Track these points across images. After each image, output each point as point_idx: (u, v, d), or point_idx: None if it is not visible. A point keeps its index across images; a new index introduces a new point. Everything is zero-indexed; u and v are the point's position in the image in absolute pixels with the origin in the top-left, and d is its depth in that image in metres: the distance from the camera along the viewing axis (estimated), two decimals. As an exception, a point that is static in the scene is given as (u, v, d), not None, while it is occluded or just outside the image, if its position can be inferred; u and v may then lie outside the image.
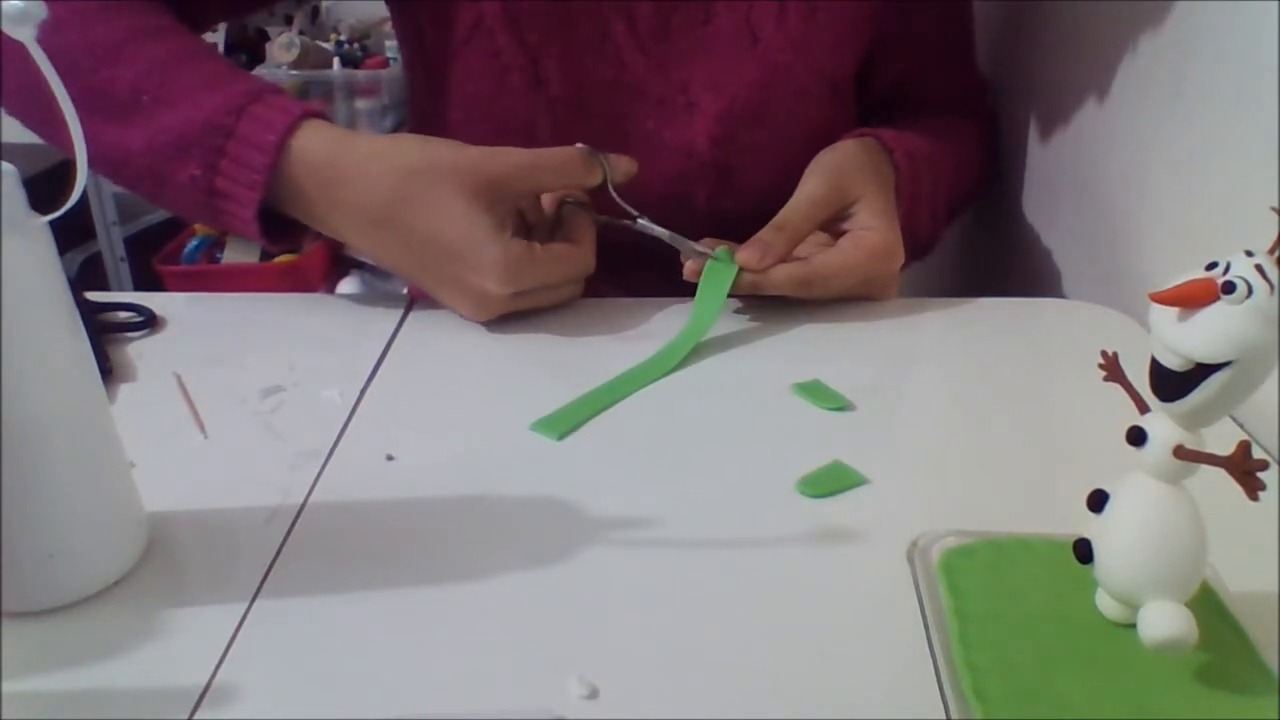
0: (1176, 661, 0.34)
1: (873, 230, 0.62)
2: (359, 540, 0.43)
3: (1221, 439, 0.32)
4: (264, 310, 0.66)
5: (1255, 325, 0.29)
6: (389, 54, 2.29)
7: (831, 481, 0.46)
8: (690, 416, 0.52)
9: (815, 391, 0.54)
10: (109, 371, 0.55)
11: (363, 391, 0.54)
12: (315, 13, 2.43)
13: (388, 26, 2.28)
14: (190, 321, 0.63)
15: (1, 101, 0.61)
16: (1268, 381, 0.30)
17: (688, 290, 0.61)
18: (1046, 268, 0.79)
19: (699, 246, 0.61)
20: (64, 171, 0.34)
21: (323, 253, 2.20)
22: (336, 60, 2.23)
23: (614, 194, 0.62)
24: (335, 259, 2.26)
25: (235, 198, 0.58)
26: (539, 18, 0.67)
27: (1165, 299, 0.30)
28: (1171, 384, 0.31)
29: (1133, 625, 0.34)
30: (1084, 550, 0.35)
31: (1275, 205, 0.28)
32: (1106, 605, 0.36)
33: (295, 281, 2.11)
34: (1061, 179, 0.78)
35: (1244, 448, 0.30)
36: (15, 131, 0.62)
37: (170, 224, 2.42)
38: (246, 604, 0.39)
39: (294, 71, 2.17)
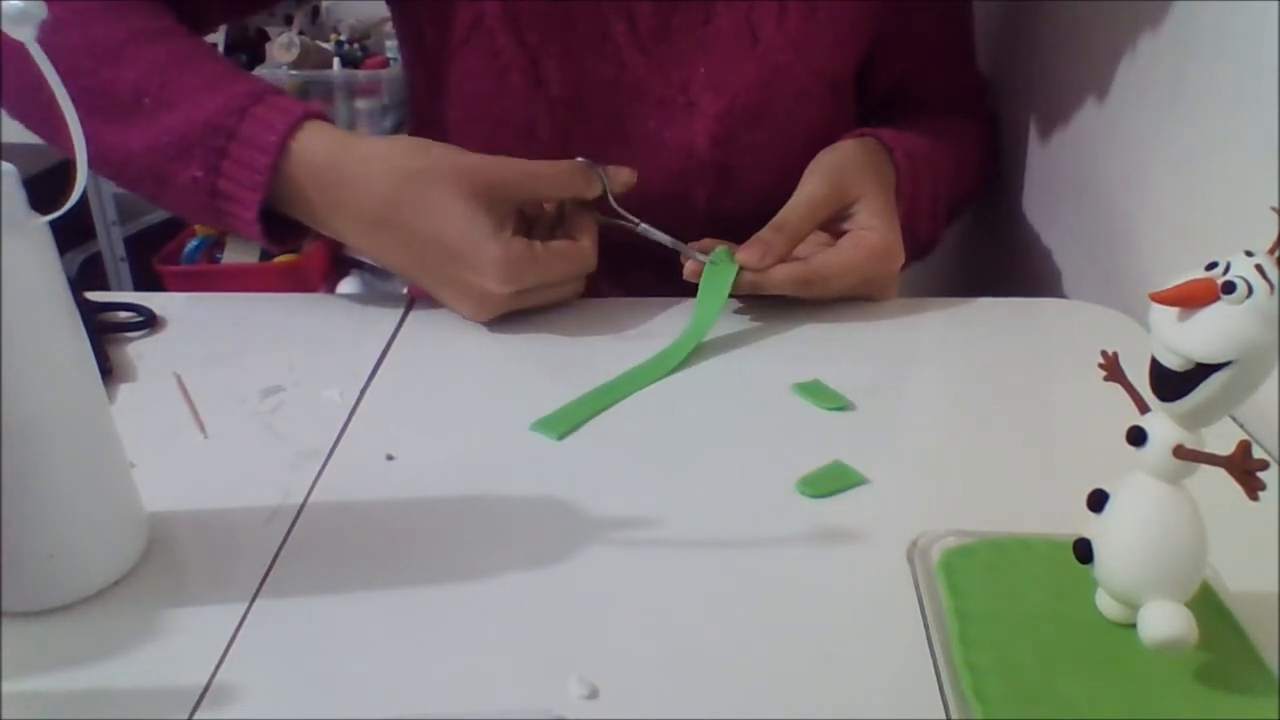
0: (1176, 661, 0.34)
1: (873, 230, 0.62)
2: (359, 540, 0.43)
3: (1221, 439, 0.32)
4: (264, 310, 0.66)
5: (1255, 325, 0.29)
6: (389, 54, 2.29)
7: (831, 481, 0.46)
8: (690, 416, 0.52)
9: (815, 391, 0.54)
10: (109, 371, 0.55)
11: (363, 391, 0.54)
12: (315, 13, 2.43)
13: (388, 26, 2.28)
14: (190, 321, 0.63)
15: (1, 102, 0.61)
16: (1268, 381, 0.30)
17: (688, 290, 0.61)
18: (1046, 268, 0.79)
19: (701, 256, 0.61)
20: (64, 171, 0.34)
21: (323, 253, 2.20)
22: (336, 60, 2.23)
23: (614, 204, 0.62)
24: (335, 259, 2.26)
25: (237, 199, 0.58)
26: (539, 17, 0.67)
27: (1165, 299, 0.30)
28: (1171, 384, 0.31)
29: (1133, 625, 0.34)
30: (1084, 550, 0.35)
31: (1275, 205, 0.28)
32: (1106, 605, 0.36)
33: (295, 281, 2.11)
34: (1061, 179, 0.78)
35: (1244, 448, 0.30)
36: (15, 131, 0.62)
37: (170, 224, 2.42)
38: (246, 604, 0.39)
39: (294, 71, 2.17)
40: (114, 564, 0.40)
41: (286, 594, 0.39)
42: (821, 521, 0.44)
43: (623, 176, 0.62)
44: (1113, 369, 0.35)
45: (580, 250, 0.61)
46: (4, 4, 0.31)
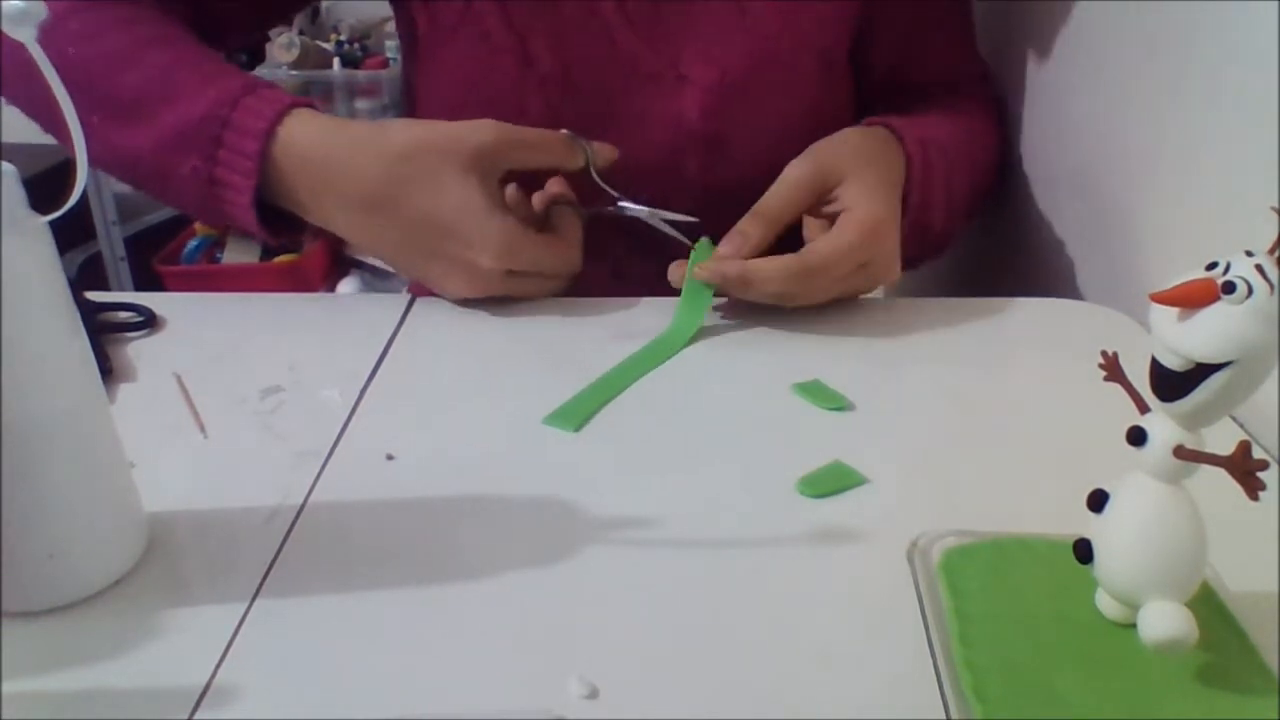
0: (1176, 661, 0.34)
1: (857, 207, 0.60)
2: (359, 540, 0.43)
3: (1221, 439, 0.32)
4: (264, 310, 0.66)
5: (1255, 325, 0.29)
6: (389, 54, 2.29)
7: (831, 481, 0.46)
8: (690, 416, 0.52)
9: (815, 391, 0.54)
10: (109, 371, 0.55)
11: (363, 391, 0.54)
12: (315, 13, 2.43)
13: (388, 26, 2.28)
14: (190, 321, 0.63)
15: (13, 103, 0.63)
16: (1268, 381, 0.30)
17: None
18: (1046, 268, 0.79)
19: (673, 231, 0.61)
20: (64, 171, 0.34)
21: (323, 253, 2.20)
22: (336, 60, 2.23)
23: (595, 177, 0.62)
24: (335, 258, 2.27)
25: (232, 185, 0.59)
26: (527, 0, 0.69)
27: (1165, 299, 0.30)
28: (1171, 384, 0.31)
29: (1133, 625, 0.34)
30: (1084, 550, 0.35)
31: (1275, 205, 0.28)
32: (1106, 605, 0.36)
33: (295, 281, 2.11)
34: (1061, 179, 0.78)
35: (1244, 448, 0.30)
36: (15, 131, 0.62)
37: (170, 224, 2.42)
38: (246, 604, 0.39)
39: (294, 71, 2.18)
40: (114, 564, 0.40)
41: (286, 594, 0.39)
42: (821, 521, 0.44)
43: (606, 152, 0.62)
44: (1113, 369, 0.35)
45: (567, 249, 0.62)
46: (4, 4, 0.31)
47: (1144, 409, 0.33)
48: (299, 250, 2.15)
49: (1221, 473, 0.30)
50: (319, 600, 0.39)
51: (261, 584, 0.40)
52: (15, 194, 0.34)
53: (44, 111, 0.62)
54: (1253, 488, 0.30)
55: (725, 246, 0.59)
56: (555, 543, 0.42)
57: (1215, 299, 0.29)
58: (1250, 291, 0.28)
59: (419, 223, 0.58)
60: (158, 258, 2.19)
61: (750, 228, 0.60)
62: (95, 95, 0.61)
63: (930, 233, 0.70)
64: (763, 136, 0.71)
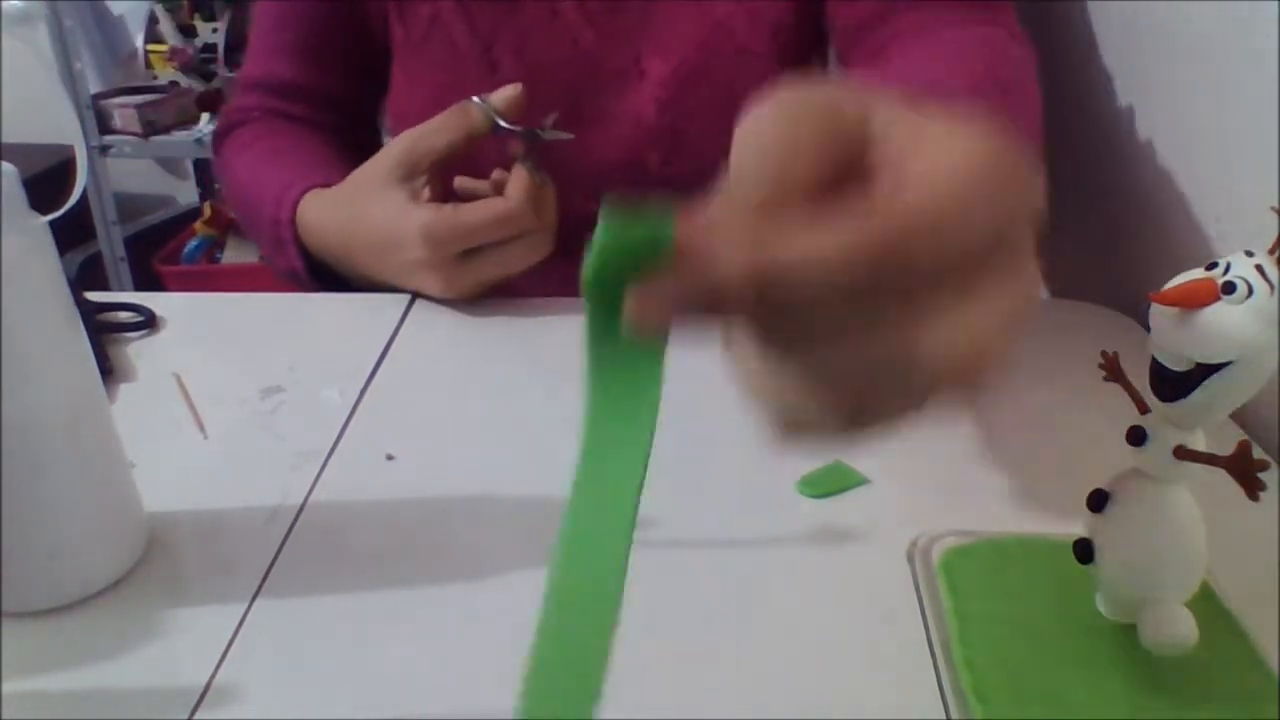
0: (1176, 661, 0.34)
1: (951, 137, 0.26)
2: (359, 540, 0.43)
3: (1221, 439, 0.32)
4: (264, 310, 0.66)
5: (1255, 325, 0.29)
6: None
7: (831, 481, 0.46)
8: (690, 416, 0.52)
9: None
10: (109, 371, 0.55)
11: (363, 391, 0.54)
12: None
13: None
14: (190, 321, 0.63)
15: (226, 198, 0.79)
16: (1268, 381, 0.30)
17: None
18: (1047, 268, 0.79)
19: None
20: (64, 171, 0.34)
21: (323, 253, 2.19)
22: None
23: (503, 124, 0.61)
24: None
25: (297, 271, 0.68)
26: (490, 7, 0.70)
27: (1165, 299, 0.30)
28: (1171, 384, 0.31)
29: (1133, 625, 0.34)
30: (1084, 550, 0.35)
31: (1275, 205, 0.28)
32: (1106, 605, 0.36)
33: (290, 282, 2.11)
34: (1061, 179, 0.78)
35: (1244, 448, 0.30)
36: (15, 131, 0.62)
37: (170, 224, 2.42)
38: (246, 604, 0.39)
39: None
40: (114, 564, 0.40)
41: (286, 594, 0.39)
42: (821, 521, 0.44)
43: (505, 93, 0.61)
44: (1113, 369, 0.35)
45: (507, 205, 0.59)
46: (4, 4, 0.31)
47: (1144, 409, 0.33)
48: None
49: (1221, 473, 0.30)
50: (319, 600, 0.39)
51: (261, 584, 0.40)
52: (15, 194, 0.34)
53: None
54: (1253, 488, 0.29)
55: (699, 220, 0.29)
56: (555, 543, 0.42)
57: (1215, 299, 0.29)
58: (1250, 291, 0.28)
59: (371, 248, 0.63)
60: (158, 258, 2.19)
61: (742, 195, 0.28)
62: (245, 222, 0.77)
63: None
64: (718, 128, 0.70)
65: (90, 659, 0.36)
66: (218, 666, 0.36)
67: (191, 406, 0.52)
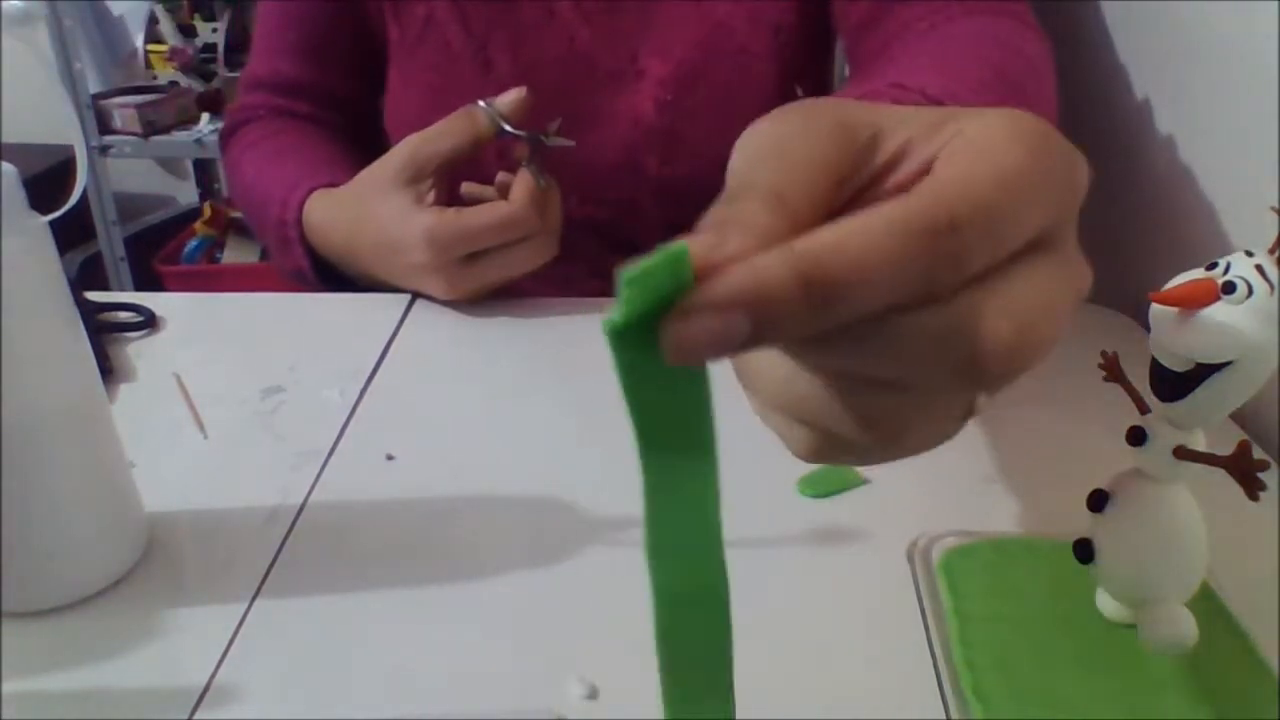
0: (1176, 661, 0.34)
1: (986, 120, 0.25)
2: (359, 540, 0.43)
3: (1221, 439, 0.32)
4: (264, 310, 0.66)
5: (1255, 325, 0.29)
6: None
7: (831, 481, 0.46)
8: (690, 416, 0.52)
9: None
10: (109, 371, 0.55)
11: (363, 391, 0.54)
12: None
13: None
14: (190, 321, 0.63)
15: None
16: (1268, 381, 0.30)
17: None
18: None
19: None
20: (64, 171, 0.34)
21: (323, 253, 2.19)
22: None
23: (508, 128, 0.60)
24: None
25: (304, 271, 0.68)
26: (485, 7, 0.70)
27: (1165, 299, 0.30)
28: (1171, 384, 0.31)
29: (1133, 625, 0.34)
30: (1084, 550, 0.35)
31: (1275, 205, 0.28)
32: (1106, 605, 0.36)
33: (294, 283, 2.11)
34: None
35: (1244, 448, 0.30)
36: (15, 131, 0.62)
37: (170, 224, 2.42)
38: (246, 604, 0.39)
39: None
40: (114, 564, 0.40)
41: (286, 594, 0.39)
42: (821, 521, 0.44)
43: (508, 98, 0.61)
44: (1113, 369, 0.35)
45: (511, 209, 0.59)
46: (4, 4, 0.31)
47: (1144, 409, 0.33)
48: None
49: (1221, 473, 0.30)
50: (319, 600, 0.39)
51: (261, 584, 0.40)
52: (15, 194, 0.34)
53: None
54: (1253, 488, 0.29)
55: (701, 244, 0.22)
56: (555, 543, 0.42)
57: (1215, 299, 0.29)
58: (1250, 291, 0.28)
59: (375, 250, 0.63)
60: (158, 258, 2.19)
61: (751, 207, 0.23)
62: (251, 221, 0.78)
63: None
64: (717, 128, 0.70)
65: (90, 659, 0.36)
66: (218, 666, 0.36)
67: (191, 406, 0.52)
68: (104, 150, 2.09)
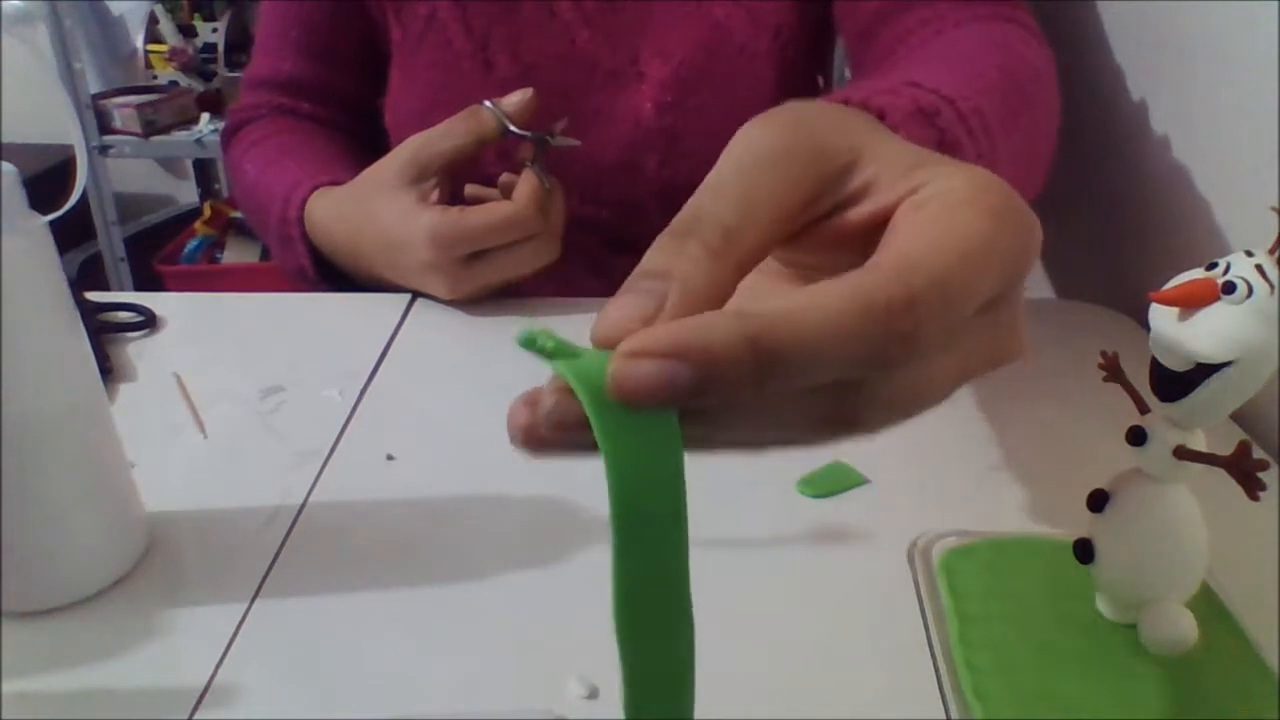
0: (1176, 661, 0.34)
1: (953, 182, 0.25)
2: (359, 540, 0.43)
3: (1221, 439, 0.32)
4: (264, 310, 0.66)
5: (1255, 325, 0.29)
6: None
7: (831, 481, 0.46)
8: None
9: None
10: (109, 371, 0.55)
11: (363, 391, 0.54)
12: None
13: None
14: (190, 321, 0.63)
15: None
16: (1268, 381, 0.30)
17: None
18: (1047, 268, 0.79)
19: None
20: (64, 171, 0.34)
21: (323, 253, 2.19)
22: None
23: (513, 129, 0.60)
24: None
25: (305, 270, 0.68)
26: (486, 6, 0.70)
27: (1165, 299, 0.30)
28: (1171, 384, 0.31)
29: (1133, 625, 0.34)
30: (1084, 550, 0.35)
31: (1275, 205, 0.28)
32: (1106, 605, 0.36)
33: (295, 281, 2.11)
34: (1061, 179, 0.78)
35: (1244, 448, 0.30)
36: (15, 131, 0.63)
37: (170, 224, 2.42)
38: (246, 604, 0.39)
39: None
40: (114, 564, 0.40)
41: (286, 594, 0.39)
42: (821, 521, 0.44)
43: (514, 99, 0.61)
44: (1113, 369, 0.35)
45: (514, 208, 0.59)
46: (4, 4, 0.31)
47: (1144, 409, 0.33)
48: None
49: (1221, 473, 0.30)
50: (319, 600, 0.39)
51: (261, 584, 0.40)
52: (15, 194, 0.34)
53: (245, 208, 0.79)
54: (1253, 488, 0.29)
55: (624, 308, 0.26)
56: (555, 543, 0.42)
57: (1215, 299, 0.29)
58: (1250, 291, 0.28)
59: (378, 248, 0.63)
60: (158, 258, 2.19)
61: (689, 253, 0.25)
62: (253, 221, 0.78)
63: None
64: (717, 129, 0.69)
65: (90, 659, 0.36)
66: (218, 666, 0.36)
67: (191, 406, 0.52)
68: (104, 150, 2.09)
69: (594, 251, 0.71)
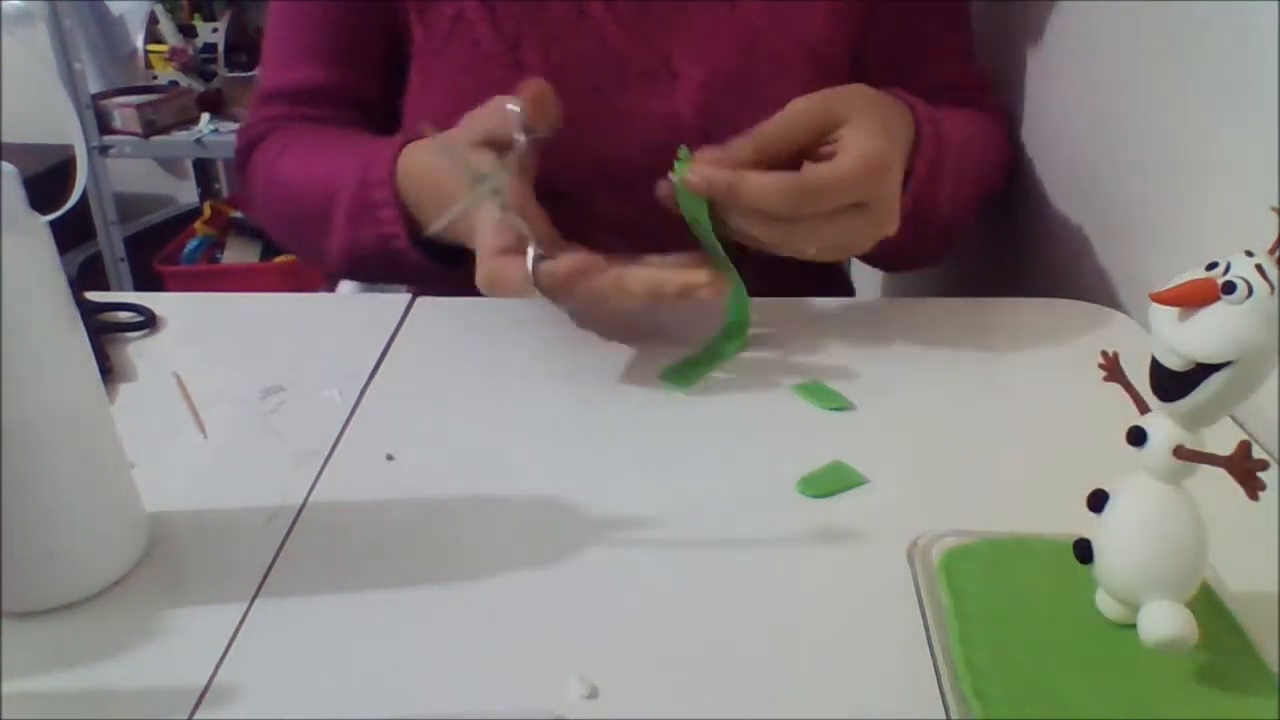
0: (1176, 661, 0.34)
1: (860, 143, 0.54)
2: (359, 540, 0.43)
3: (1221, 439, 0.32)
4: (264, 310, 0.66)
5: (1255, 325, 0.29)
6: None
7: (831, 481, 0.46)
8: (690, 416, 0.52)
9: (815, 391, 0.54)
10: (109, 371, 0.55)
11: (363, 391, 0.54)
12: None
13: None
14: (190, 321, 0.63)
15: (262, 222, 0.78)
16: (1268, 381, 0.30)
17: None
18: (1047, 268, 0.79)
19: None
20: (64, 171, 0.34)
21: (323, 253, 2.19)
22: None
23: (525, 122, 0.56)
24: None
25: (393, 233, 0.63)
26: (516, 6, 0.69)
27: (1165, 299, 0.30)
28: (1171, 384, 0.31)
29: (1133, 625, 0.33)
30: (1084, 550, 0.35)
31: (1275, 205, 0.28)
32: (1106, 605, 0.36)
33: (295, 281, 2.11)
34: (1061, 179, 0.78)
35: (1244, 448, 0.30)
36: (15, 131, 0.63)
37: (170, 224, 2.43)
38: (246, 604, 0.39)
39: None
40: (114, 564, 0.40)
41: (286, 594, 0.39)
42: (821, 521, 0.44)
43: (529, 90, 0.57)
44: (1113, 369, 0.35)
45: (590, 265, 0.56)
46: (4, 4, 0.31)
47: (1144, 409, 0.33)
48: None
49: (1221, 473, 0.30)
50: (319, 600, 0.39)
51: (261, 584, 0.40)
52: (15, 194, 0.34)
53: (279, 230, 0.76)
54: (1253, 488, 0.30)
55: (708, 153, 0.54)
56: (555, 543, 0.42)
57: (1215, 299, 0.29)
58: (1250, 291, 0.28)
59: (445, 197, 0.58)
60: (158, 258, 2.19)
61: (739, 144, 0.55)
62: (302, 226, 0.72)
63: (933, 218, 0.65)
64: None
65: (90, 659, 0.36)
66: (218, 666, 0.36)
67: (191, 406, 0.52)
68: (104, 150, 2.09)
69: (621, 252, 0.70)
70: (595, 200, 0.62)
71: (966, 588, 0.38)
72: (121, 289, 2.21)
